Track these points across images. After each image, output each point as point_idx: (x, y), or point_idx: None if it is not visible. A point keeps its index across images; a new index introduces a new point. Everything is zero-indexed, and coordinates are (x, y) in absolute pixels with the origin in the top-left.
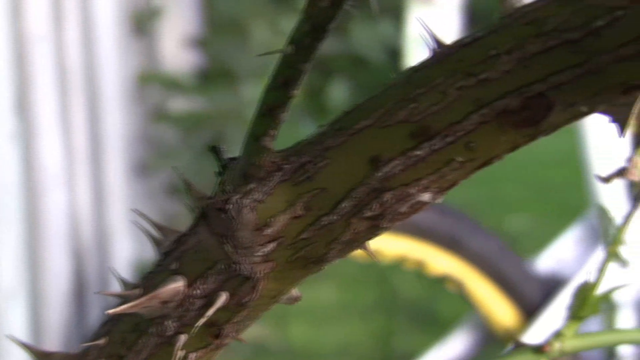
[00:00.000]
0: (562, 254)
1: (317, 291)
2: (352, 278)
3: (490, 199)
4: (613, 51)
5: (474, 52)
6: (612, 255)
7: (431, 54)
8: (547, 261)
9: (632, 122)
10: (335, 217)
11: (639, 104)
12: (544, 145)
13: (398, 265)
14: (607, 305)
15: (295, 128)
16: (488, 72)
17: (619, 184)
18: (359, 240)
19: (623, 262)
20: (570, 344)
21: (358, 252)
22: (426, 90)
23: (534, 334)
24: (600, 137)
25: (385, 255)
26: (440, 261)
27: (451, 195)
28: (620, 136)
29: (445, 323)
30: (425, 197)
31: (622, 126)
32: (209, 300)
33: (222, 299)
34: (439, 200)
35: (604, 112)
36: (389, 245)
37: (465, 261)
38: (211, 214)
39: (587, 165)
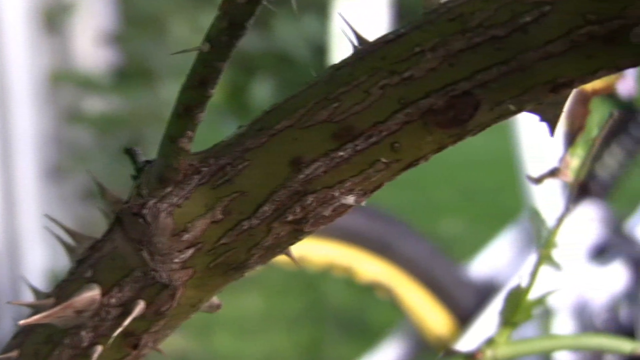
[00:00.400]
0: (497, 259)
1: (241, 300)
2: (278, 286)
3: (421, 202)
4: (540, 48)
5: (398, 49)
6: (545, 258)
7: (353, 51)
8: (481, 266)
9: (562, 120)
10: (256, 222)
11: (567, 102)
12: (477, 146)
13: (326, 273)
14: (543, 311)
15: (217, 129)
16: (412, 70)
17: (555, 185)
18: (282, 245)
19: (556, 266)
20: (503, 350)
21: (284, 259)
22: (349, 89)
23: (468, 342)
24: (534, 137)
25: (312, 262)
26: (370, 267)
27: (381, 199)
28: (550, 135)
29: (376, 332)
30: (350, 199)
31: (551, 125)
32: (126, 309)
33: (139, 307)
34: (363, 202)
35: (533, 110)
36: (316, 251)
37: (396, 267)
38: (127, 220)
39: (521, 166)
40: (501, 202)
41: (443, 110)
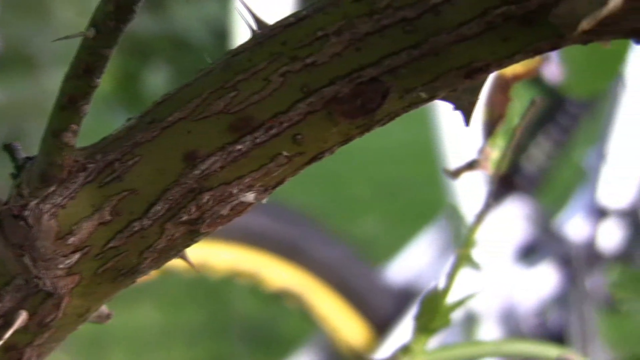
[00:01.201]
0: (418, 261)
1: (136, 312)
2: (177, 296)
3: (335, 199)
4: (453, 30)
5: (300, 33)
6: (464, 258)
7: (252, 35)
8: (400, 269)
9: (479, 109)
10: (148, 222)
11: (485, 89)
12: (397, 137)
13: (229, 280)
14: (467, 317)
15: (105, 121)
16: (315, 56)
17: (480, 180)
18: (176, 248)
19: (476, 266)
20: (420, 359)
21: (182, 266)
22: (247, 77)
23: (386, 352)
24: (457, 127)
25: (213, 268)
26: (278, 273)
27: (290, 196)
28: (465, 125)
29: (285, 344)
30: (249, 197)
31: (467, 114)
32: (7, 320)
33: (22, 318)
34: (264, 200)
35: (447, 98)
36: (218, 256)
37: (306, 272)
38: (6, 222)
39: (443, 159)
40: (423, 198)
41: (349, 98)
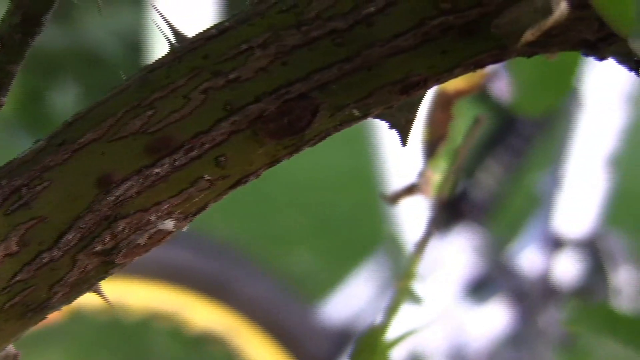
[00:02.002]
0: (356, 297)
1: (44, 357)
2: (89, 339)
3: (265, 231)
4: (388, 42)
5: (222, 46)
6: (404, 292)
7: (170, 49)
8: (337, 307)
9: (418, 128)
10: (58, 253)
11: (425, 106)
12: (333, 162)
13: (147, 321)
14: (411, 357)
15: (8, 145)
16: (239, 71)
17: (424, 206)
18: (89, 281)
19: (417, 300)
20: None
21: (95, 307)
22: (165, 94)
23: None
24: (397, 149)
25: (129, 309)
26: (201, 314)
27: (216, 227)
28: (402, 145)
29: None
30: (168, 224)
31: (403, 133)
32: None
33: None
34: (185, 228)
35: (382, 116)
36: (134, 295)
37: (233, 312)
38: None
39: (383, 185)
40: (363, 228)
41: (276, 117)
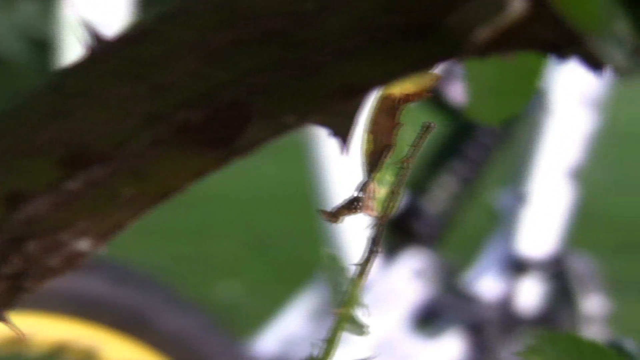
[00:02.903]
0: (291, 329)
1: None
2: None
3: (191, 257)
4: (327, 43)
5: (145, 47)
6: (345, 320)
7: (87, 51)
8: (270, 340)
9: (361, 136)
10: None
11: (369, 111)
12: (266, 179)
13: (56, 357)
14: None
15: None
16: (163, 75)
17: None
18: None
19: (359, 330)
20: None
21: None
22: (81, 101)
23: None
24: (338, 162)
25: (36, 343)
26: (117, 350)
27: (132, 253)
28: (342, 154)
29: None
30: (83, 245)
31: (344, 141)
32: None
33: None
34: (102, 248)
35: (321, 123)
36: (42, 328)
37: (153, 348)
38: None
39: (321, 202)
40: (299, 252)
41: (203, 125)
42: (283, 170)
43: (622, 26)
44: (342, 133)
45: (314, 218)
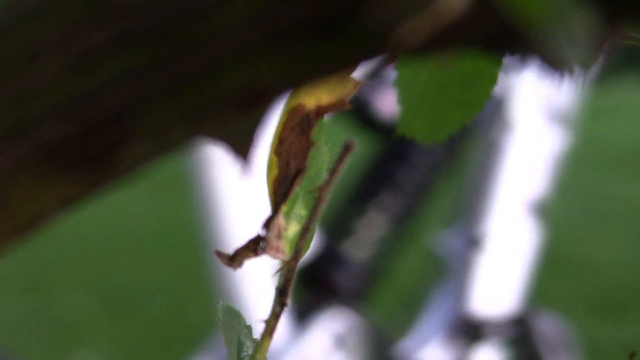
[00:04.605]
0: None
1: None
2: None
3: (40, 317)
4: (221, 42)
5: (1, 47)
6: None
7: None
8: None
9: (265, 156)
10: None
11: (273, 126)
12: (135, 213)
13: None
14: None
15: None
16: (22, 82)
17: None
18: None
19: None
20: None
21: None
22: None
23: None
24: (235, 189)
25: None
26: None
27: None
28: (241, 178)
29: None
30: None
31: (243, 162)
32: None
33: None
34: None
35: (213, 138)
36: None
37: None
38: None
39: (212, 243)
40: (179, 312)
41: (72, 141)
42: (156, 203)
43: (577, 17)
44: (240, 152)
45: (200, 264)
